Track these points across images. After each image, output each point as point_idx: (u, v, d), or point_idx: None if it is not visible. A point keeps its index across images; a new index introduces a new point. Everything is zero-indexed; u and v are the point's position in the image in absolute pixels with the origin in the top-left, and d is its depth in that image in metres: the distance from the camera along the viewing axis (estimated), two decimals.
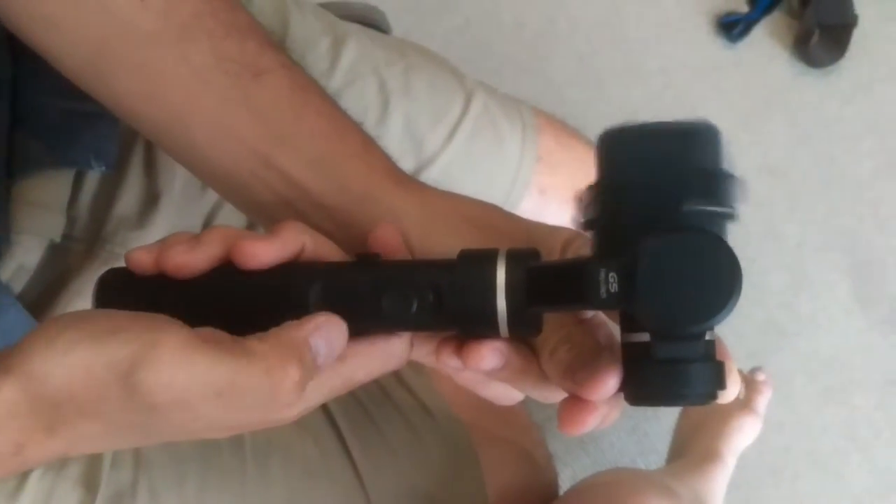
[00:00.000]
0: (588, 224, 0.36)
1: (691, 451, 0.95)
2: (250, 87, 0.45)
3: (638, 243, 0.33)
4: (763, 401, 1.02)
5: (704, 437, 0.96)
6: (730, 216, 0.35)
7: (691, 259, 0.32)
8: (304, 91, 0.46)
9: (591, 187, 0.36)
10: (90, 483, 0.56)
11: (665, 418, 1.11)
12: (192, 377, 0.33)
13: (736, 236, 0.34)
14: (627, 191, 0.35)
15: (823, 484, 1.16)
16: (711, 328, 0.34)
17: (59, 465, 0.56)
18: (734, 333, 1.21)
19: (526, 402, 0.43)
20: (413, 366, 0.67)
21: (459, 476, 0.65)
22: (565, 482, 0.76)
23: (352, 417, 0.63)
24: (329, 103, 0.47)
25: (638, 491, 0.70)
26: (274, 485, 0.60)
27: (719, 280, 0.32)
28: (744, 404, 1.01)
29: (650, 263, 0.33)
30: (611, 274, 0.33)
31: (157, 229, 0.62)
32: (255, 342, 0.34)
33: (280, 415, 0.36)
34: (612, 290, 0.33)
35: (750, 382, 1.04)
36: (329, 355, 0.36)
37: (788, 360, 1.21)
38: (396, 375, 0.66)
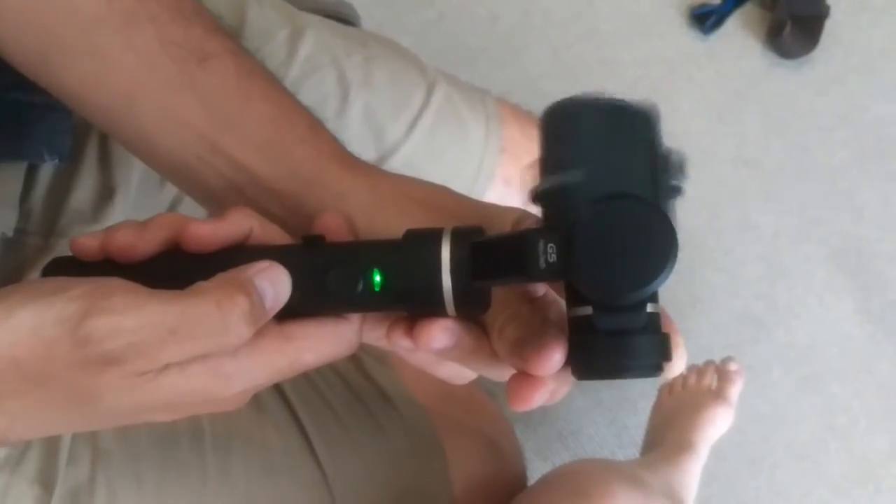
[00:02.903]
0: (534, 199, 0.36)
1: (664, 443, 0.95)
2: (196, 73, 0.44)
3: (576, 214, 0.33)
4: (735, 390, 1.02)
5: (677, 428, 0.96)
6: (675, 190, 0.34)
7: (627, 227, 0.33)
8: (251, 76, 0.46)
9: (534, 163, 0.36)
10: (47, 480, 0.55)
11: (644, 411, 1.11)
12: (143, 318, 0.33)
13: (712, 228, 0.34)
14: (567, 165, 0.35)
15: (802, 473, 1.17)
16: (650, 295, 0.34)
17: (14, 462, 0.55)
18: (711, 324, 1.22)
19: (497, 395, 0.43)
20: (376, 356, 0.67)
21: (424, 468, 0.64)
22: None
23: (313, 410, 0.63)
24: (276, 88, 0.47)
25: (605, 481, 0.70)
26: (235, 481, 0.59)
27: (655, 247, 0.32)
28: (716, 394, 1.01)
29: (587, 232, 0.33)
30: (549, 244, 0.34)
31: (113, 223, 0.61)
32: (202, 283, 0.35)
33: (230, 385, 0.35)
34: (551, 261, 0.34)
35: (722, 372, 1.04)
36: (276, 299, 0.36)
37: (765, 350, 1.22)
38: (358, 366, 0.66)
